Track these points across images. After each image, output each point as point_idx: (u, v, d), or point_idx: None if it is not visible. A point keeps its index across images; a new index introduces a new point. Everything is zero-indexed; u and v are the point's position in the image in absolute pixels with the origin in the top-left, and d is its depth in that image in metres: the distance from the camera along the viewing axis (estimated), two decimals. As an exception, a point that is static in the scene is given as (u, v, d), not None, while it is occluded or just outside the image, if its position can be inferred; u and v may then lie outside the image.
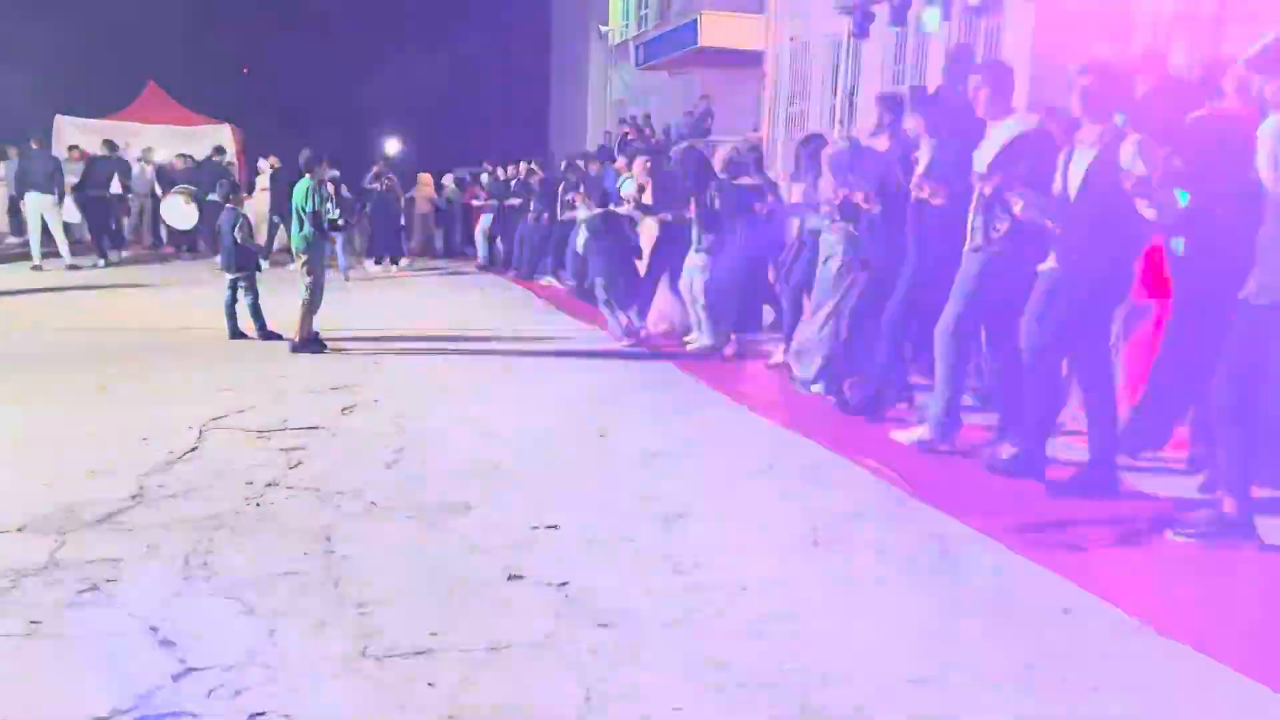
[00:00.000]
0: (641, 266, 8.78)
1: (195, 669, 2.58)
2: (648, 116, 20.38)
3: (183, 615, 2.89)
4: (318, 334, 7.52)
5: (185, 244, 15.67)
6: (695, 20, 20.37)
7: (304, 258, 7.49)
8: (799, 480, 4.47)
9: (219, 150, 16.19)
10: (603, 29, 27.86)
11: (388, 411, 5.54)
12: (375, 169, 15.65)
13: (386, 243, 15.38)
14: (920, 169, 5.22)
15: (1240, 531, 3.70)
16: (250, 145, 19.66)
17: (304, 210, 7.40)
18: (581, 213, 8.76)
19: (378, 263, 15.08)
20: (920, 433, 5.01)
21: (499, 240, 15.76)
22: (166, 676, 2.53)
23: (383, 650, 2.72)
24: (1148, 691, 2.62)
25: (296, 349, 7.33)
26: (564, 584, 3.20)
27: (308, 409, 5.52)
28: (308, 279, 7.43)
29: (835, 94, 16.27)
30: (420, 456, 4.66)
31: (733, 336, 7.55)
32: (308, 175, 7.48)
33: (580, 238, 8.83)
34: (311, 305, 7.44)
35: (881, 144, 5.94)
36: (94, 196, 14.26)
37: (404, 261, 15.40)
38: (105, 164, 14.67)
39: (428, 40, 37.67)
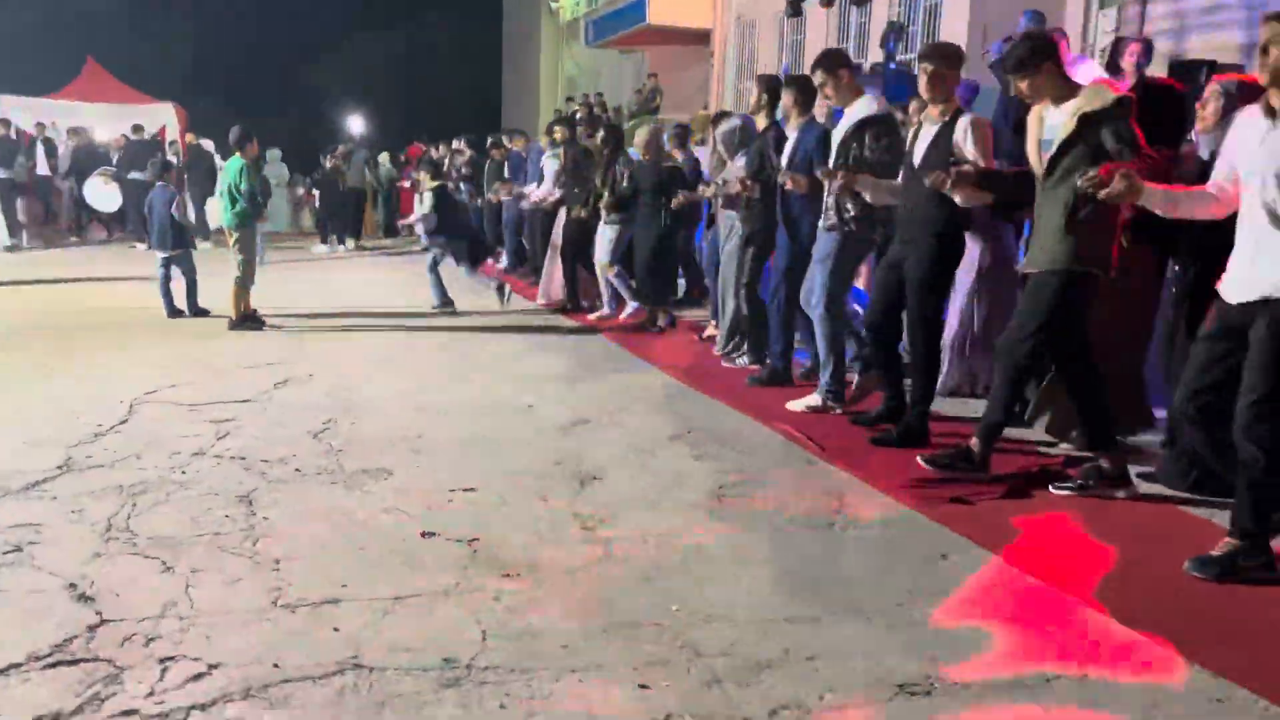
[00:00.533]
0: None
1: (111, 620, 2.72)
2: (600, 95, 20.43)
3: (102, 574, 3.02)
4: (255, 311, 7.60)
5: (112, 224, 15.67)
6: (644, -2, 20.40)
7: (235, 235, 7.56)
8: (714, 444, 4.67)
9: (136, 128, 16.01)
10: (553, 6, 27.76)
11: (320, 385, 5.67)
12: (340, 149, 15.59)
13: (334, 223, 15.37)
14: (785, 155, 5.51)
15: (1118, 484, 3.98)
16: (196, 124, 19.44)
17: (237, 189, 7.46)
18: (425, 185, 8.90)
19: (324, 242, 15.08)
20: (811, 399, 5.29)
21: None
22: (83, 627, 2.67)
23: (293, 600, 2.87)
24: (1007, 623, 2.85)
25: (234, 326, 7.41)
26: (474, 540, 3.38)
27: (241, 384, 5.62)
28: (240, 257, 7.50)
29: (785, 71, 16.39)
30: (348, 427, 4.80)
31: (660, 310, 7.78)
32: (238, 154, 7.55)
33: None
34: (244, 282, 7.51)
35: (761, 123, 6.09)
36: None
37: (350, 243, 15.40)
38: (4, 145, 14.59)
39: (378, 18, 37.28)
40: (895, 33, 10.42)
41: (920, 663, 2.60)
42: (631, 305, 8.09)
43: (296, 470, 4.10)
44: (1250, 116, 3.30)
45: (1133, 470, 4.04)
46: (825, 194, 5.12)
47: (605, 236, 8.04)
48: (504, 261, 12.18)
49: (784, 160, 5.52)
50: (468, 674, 2.49)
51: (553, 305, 8.95)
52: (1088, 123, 3.83)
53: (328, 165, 15.38)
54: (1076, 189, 3.65)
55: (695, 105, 20.16)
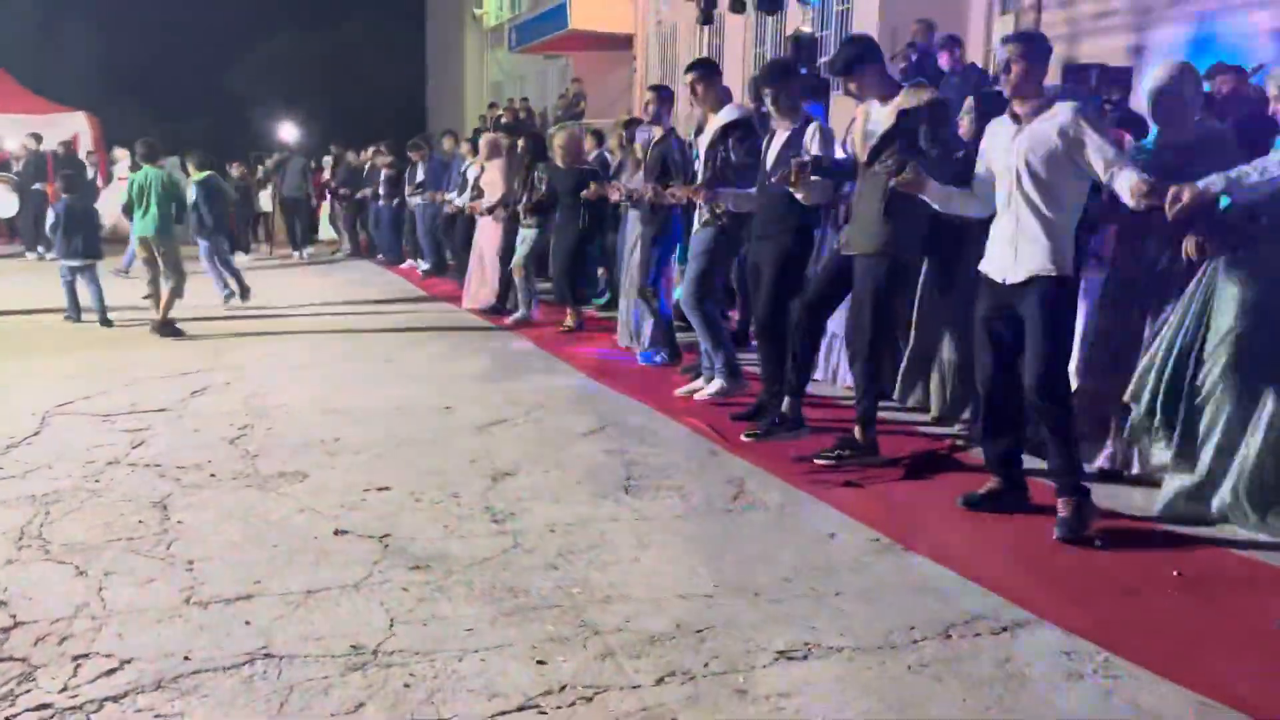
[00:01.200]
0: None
1: (24, 623, 2.79)
2: (525, 100, 20.51)
3: (14, 580, 3.08)
4: (174, 321, 7.60)
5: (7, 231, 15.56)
6: (565, 3, 20.54)
7: (163, 249, 7.63)
8: (625, 438, 4.85)
9: (35, 137, 15.74)
10: (476, 12, 27.76)
11: (238, 393, 5.71)
12: (276, 156, 15.44)
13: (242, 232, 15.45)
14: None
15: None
16: (110, 133, 19.03)
17: (154, 200, 7.54)
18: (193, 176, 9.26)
19: (244, 251, 15.00)
20: (706, 388, 5.59)
21: (357, 226, 15.83)
22: (-4, 630, 2.74)
23: (206, 598, 2.97)
24: (880, 595, 3.08)
25: (162, 331, 7.48)
26: (386, 536, 3.50)
27: (156, 393, 5.64)
28: (169, 267, 7.57)
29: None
30: (264, 433, 4.87)
31: (574, 311, 7.96)
32: (148, 165, 7.65)
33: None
34: (177, 290, 7.60)
35: (657, 132, 6.34)
36: None
37: (247, 256, 15.16)
38: None
39: (298, 23, 36.77)
40: (804, 45, 10.71)
41: (800, 631, 2.81)
42: (523, 311, 8.30)
43: (211, 475, 4.17)
44: (1000, 123, 3.73)
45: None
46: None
47: (522, 239, 8.22)
48: (424, 266, 12.24)
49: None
50: (374, 658, 2.62)
51: (477, 310, 9.05)
52: (905, 118, 4.21)
53: (234, 174, 15.32)
54: (890, 182, 3.99)
55: (619, 109, 20.36)
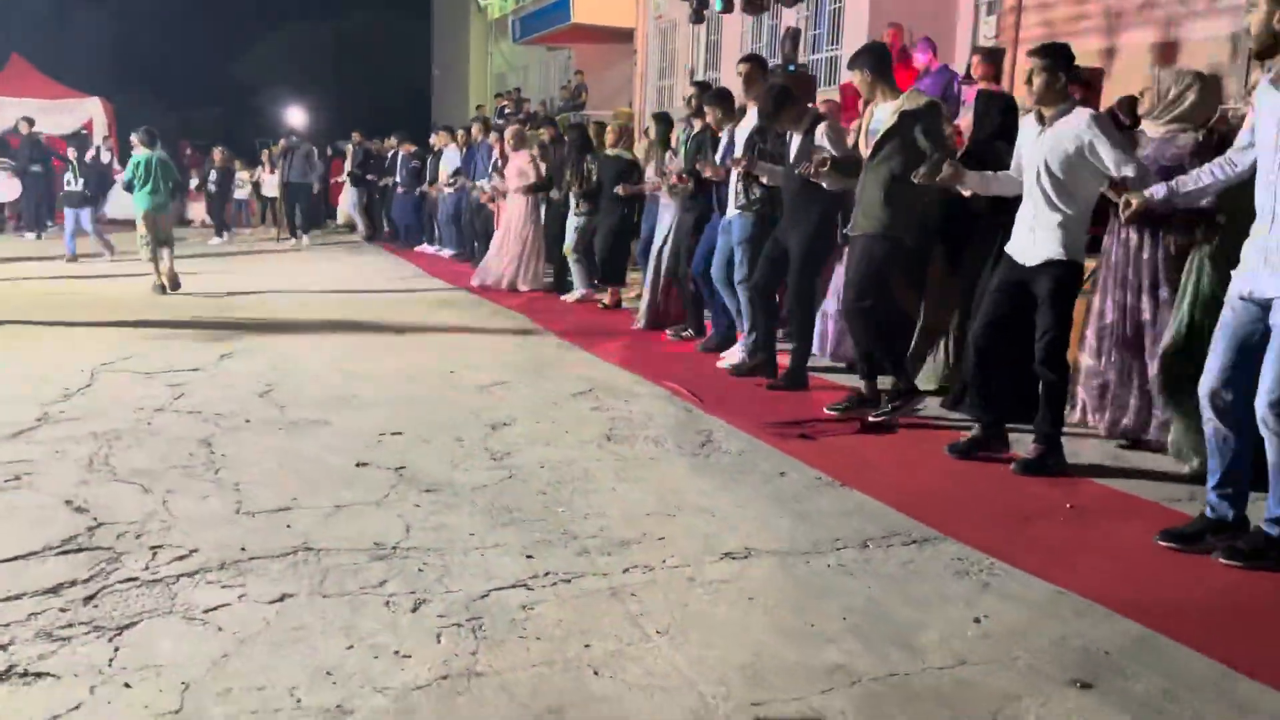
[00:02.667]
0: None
1: (105, 524, 3.39)
2: (518, 90, 21.02)
3: (90, 495, 3.68)
4: (176, 274, 9.01)
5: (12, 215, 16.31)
6: (569, -3, 21.03)
7: (162, 219, 9.13)
8: (611, 399, 5.44)
9: (28, 120, 16.40)
10: (481, 3, 28.24)
11: (263, 358, 6.31)
12: (283, 143, 15.98)
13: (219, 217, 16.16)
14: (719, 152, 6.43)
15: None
16: (124, 119, 19.61)
17: (155, 178, 8.89)
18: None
19: (217, 235, 15.80)
20: (734, 358, 6.23)
21: (370, 211, 16.54)
22: (83, 529, 3.34)
23: (253, 509, 3.58)
24: (815, 516, 3.68)
25: (170, 287, 8.92)
26: (401, 468, 4.11)
27: (188, 356, 6.24)
28: (167, 233, 9.11)
29: (692, 73, 17.23)
30: (290, 390, 5.47)
31: (611, 290, 8.74)
32: (148, 149, 8.95)
33: None
34: (172, 253, 9.10)
35: (697, 124, 6.99)
36: None
37: (219, 239, 15.71)
38: None
39: (307, 13, 37.26)
40: (792, 39, 11.28)
41: (745, 538, 3.41)
42: (581, 289, 9.00)
43: (246, 421, 4.77)
44: (1028, 123, 4.28)
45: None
46: (734, 182, 6.08)
47: (573, 225, 8.97)
48: (450, 249, 13.01)
49: (717, 157, 6.48)
50: (394, 552, 3.22)
51: (488, 288, 9.75)
52: (905, 119, 4.78)
53: (217, 160, 16.10)
54: (914, 178, 4.54)
55: (620, 101, 20.92)
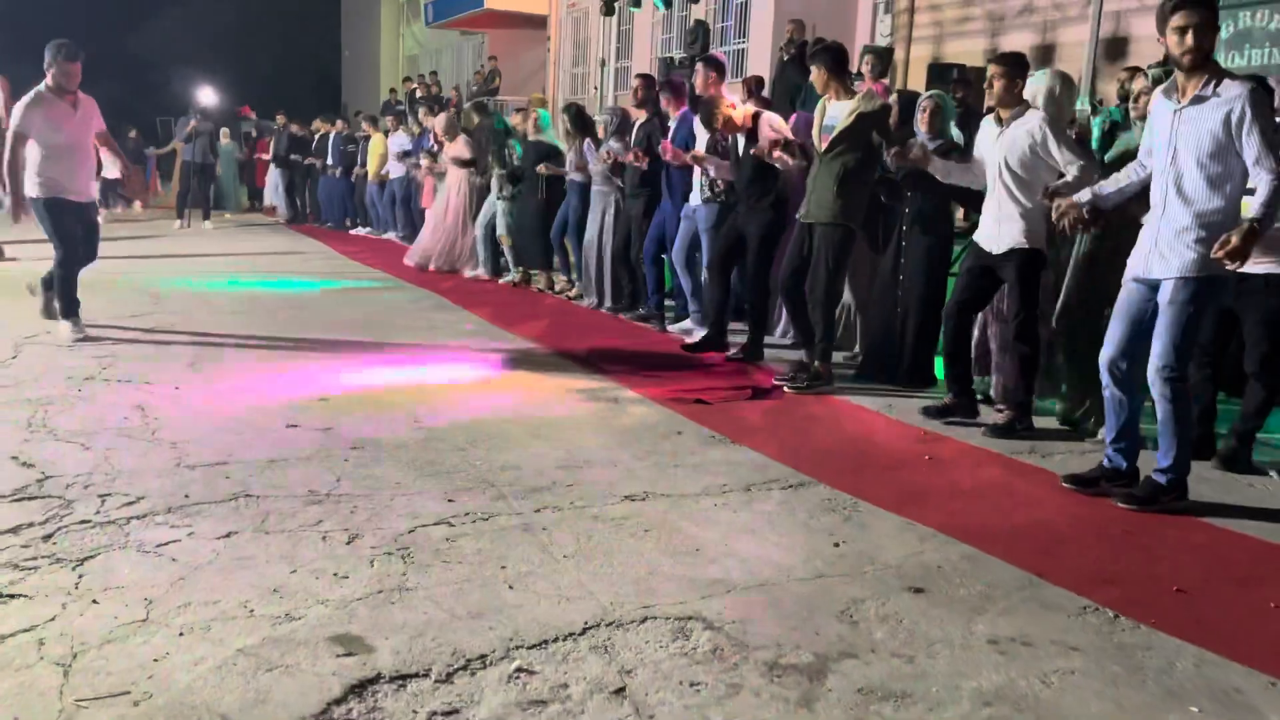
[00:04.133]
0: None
1: (53, 476, 3.66)
2: (435, 74, 21.07)
3: (35, 452, 3.93)
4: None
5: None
6: (481, -18, 21.12)
7: None
8: (535, 372, 5.84)
9: None
10: (393, -16, 28.07)
11: (184, 331, 6.51)
12: (194, 123, 15.60)
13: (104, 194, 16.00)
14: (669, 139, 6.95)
15: (825, 383, 5.48)
16: (19, 94, 19.05)
17: None
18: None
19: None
20: (689, 333, 6.84)
21: (291, 193, 16.47)
22: (33, 481, 3.60)
23: (192, 463, 3.88)
24: (707, 467, 4.15)
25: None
26: (328, 428, 4.44)
27: (112, 330, 6.41)
28: None
29: (603, 63, 17.58)
30: (215, 360, 5.71)
31: (541, 274, 9.09)
32: None
33: None
34: None
35: (642, 115, 7.49)
36: None
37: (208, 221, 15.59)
38: None
39: (212, -11, 36.28)
40: (703, 31, 11.76)
41: (644, 485, 3.85)
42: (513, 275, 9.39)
43: (176, 388, 5.03)
44: (988, 123, 4.77)
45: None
46: (697, 174, 6.59)
47: (501, 210, 9.21)
48: (396, 231, 13.19)
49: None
50: (327, 498, 3.58)
51: (422, 267, 10.04)
52: (863, 120, 5.33)
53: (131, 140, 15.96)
54: (887, 157, 5.08)
55: (533, 87, 21.11)
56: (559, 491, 3.75)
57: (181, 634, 2.53)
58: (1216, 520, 3.72)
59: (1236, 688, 2.49)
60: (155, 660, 2.40)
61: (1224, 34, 6.06)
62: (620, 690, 2.37)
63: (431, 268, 10.12)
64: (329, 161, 15.14)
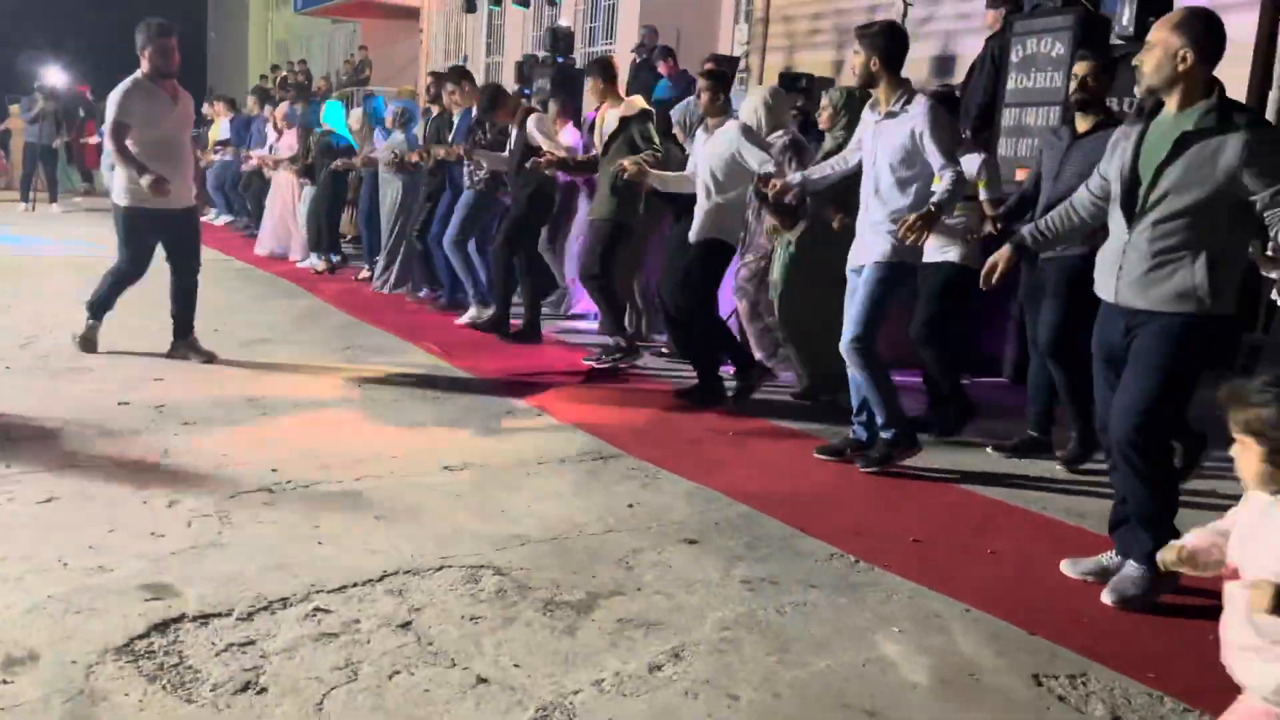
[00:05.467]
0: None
1: None
2: (303, 62, 20.76)
3: None
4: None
5: None
6: (353, -29, 20.92)
7: None
8: (366, 353, 6.05)
9: None
10: (261, -32, 27.39)
11: (21, 313, 6.46)
12: (41, 104, 14.94)
13: None
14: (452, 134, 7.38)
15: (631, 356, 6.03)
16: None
17: None
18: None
19: None
20: (470, 315, 7.04)
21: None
22: None
23: (17, 437, 3.99)
24: (525, 440, 4.48)
25: None
26: (161, 406, 4.59)
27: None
28: None
29: (465, 59, 17.72)
30: (50, 342, 5.73)
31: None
32: None
33: None
34: None
35: (436, 110, 7.92)
36: None
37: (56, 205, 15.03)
38: None
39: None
40: (565, 35, 12.05)
41: (461, 457, 4.16)
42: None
43: (7, 368, 5.06)
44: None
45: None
46: (465, 166, 7.01)
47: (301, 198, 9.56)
48: (224, 218, 13.02)
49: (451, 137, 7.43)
50: (151, 470, 3.75)
51: (272, 254, 10.17)
52: (624, 123, 5.70)
53: None
54: (612, 167, 5.48)
55: (405, 79, 20.99)
56: (382, 463, 4.02)
57: (-6, 584, 2.72)
58: (967, 486, 4.26)
59: (937, 613, 2.97)
60: (-35, 606, 2.58)
61: (1014, 58, 6.73)
62: (407, 624, 2.67)
63: (270, 250, 10.41)
64: None
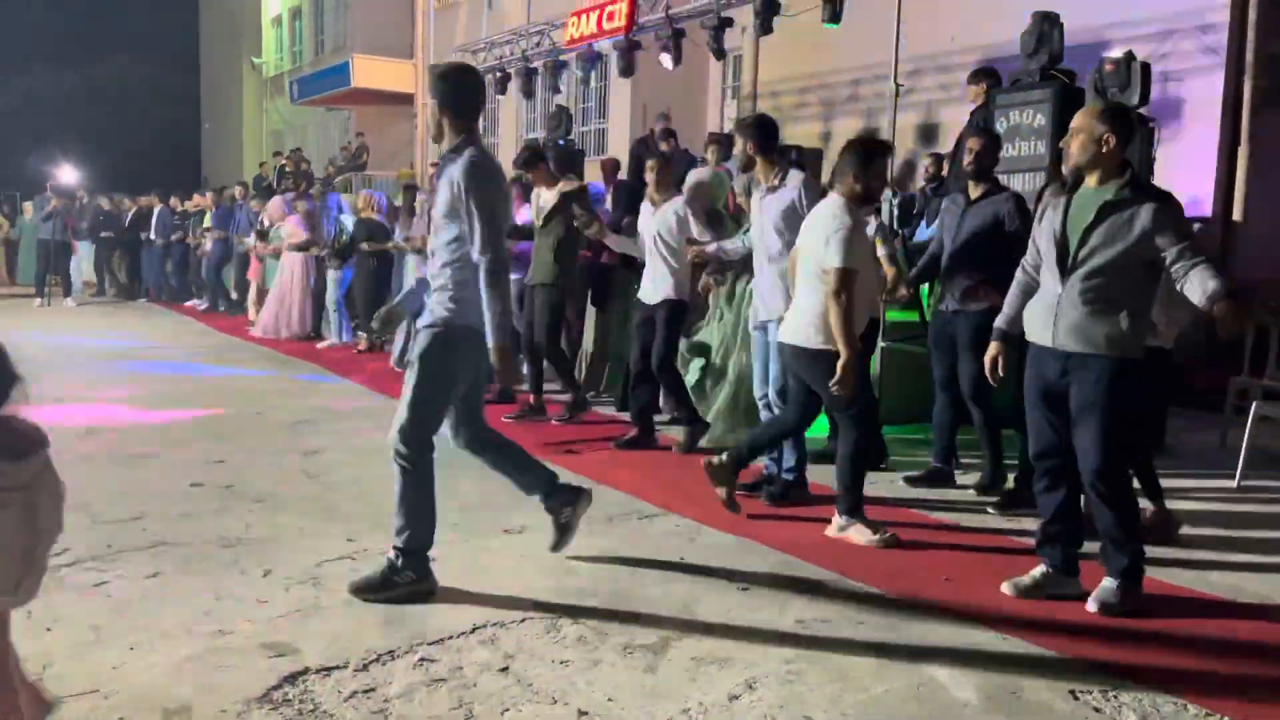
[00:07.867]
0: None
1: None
2: (299, 150, 21.38)
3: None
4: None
5: None
6: (348, 62, 21.67)
7: None
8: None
9: None
10: (255, 61, 28.25)
11: (85, 409, 6.79)
12: (54, 202, 15.44)
13: None
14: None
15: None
16: None
17: None
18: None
19: None
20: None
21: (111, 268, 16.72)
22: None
23: (107, 519, 4.29)
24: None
25: None
26: (229, 486, 4.90)
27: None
28: None
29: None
30: (111, 432, 6.04)
31: (362, 335, 9.67)
32: None
33: None
34: None
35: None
36: None
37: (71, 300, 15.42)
38: None
39: (54, 57, 35.55)
40: (565, 117, 12.66)
41: (521, 520, 4.47)
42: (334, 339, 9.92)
43: (81, 455, 5.38)
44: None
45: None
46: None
47: (333, 279, 9.93)
48: (204, 304, 13.52)
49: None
50: (238, 544, 4.06)
51: (268, 338, 10.53)
52: (565, 198, 6.50)
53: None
54: (577, 222, 6.20)
55: (401, 162, 21.66)
56: (443, 529, 4.32)
57: (132, 648, 3.01)
58: (978, 532, 4.59)
59: (975, 641, 3.29)
60: (114, 668, 2.88)
61: (1001, 128, 7.23)
62: (505, 669, 2.98)
63: (284, 336, 10.78)
64: (152, 235, 15.45)
